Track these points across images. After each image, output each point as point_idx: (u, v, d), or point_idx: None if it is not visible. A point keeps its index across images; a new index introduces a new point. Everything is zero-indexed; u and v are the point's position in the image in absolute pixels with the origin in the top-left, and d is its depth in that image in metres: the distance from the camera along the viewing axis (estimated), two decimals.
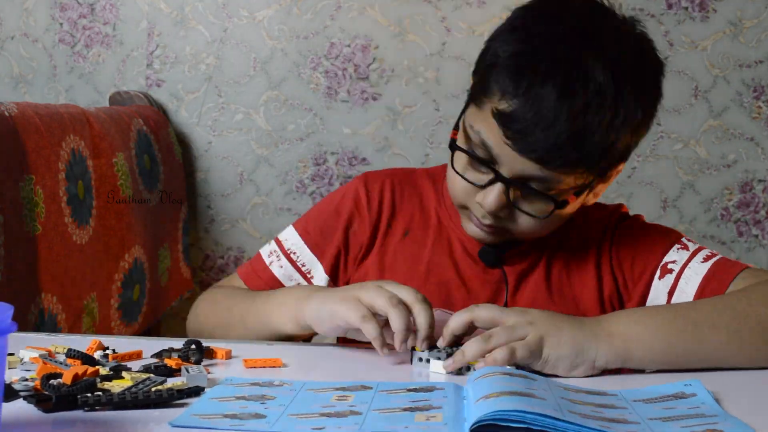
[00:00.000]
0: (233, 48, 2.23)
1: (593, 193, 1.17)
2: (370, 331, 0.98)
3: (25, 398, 0.80)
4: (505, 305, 1.16)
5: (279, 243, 1.25)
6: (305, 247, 1.24)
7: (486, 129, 1.06)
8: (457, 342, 1.00)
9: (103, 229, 1.80)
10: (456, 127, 1.15)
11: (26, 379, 0.84)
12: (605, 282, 1.18)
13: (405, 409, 0.79)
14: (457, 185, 1.13)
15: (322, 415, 0.77)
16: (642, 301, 1.17)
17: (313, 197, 2.24)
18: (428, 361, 0.98)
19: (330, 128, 2.23)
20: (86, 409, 0.77)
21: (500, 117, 1.04)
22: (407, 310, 0.99)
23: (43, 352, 0.95)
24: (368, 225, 1.23)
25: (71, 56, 2.27)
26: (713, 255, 1.15)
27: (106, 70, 2.26)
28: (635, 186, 2.19)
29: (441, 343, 0.99)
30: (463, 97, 1.34)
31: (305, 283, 1.23)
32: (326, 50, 2.21)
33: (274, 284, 1.22)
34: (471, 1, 2.17)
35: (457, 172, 1.11)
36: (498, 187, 1.07)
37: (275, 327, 1.11)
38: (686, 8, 2.17)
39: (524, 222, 1.11)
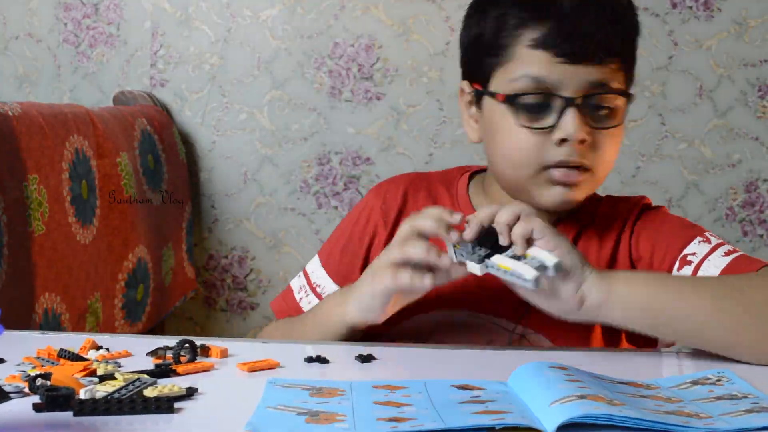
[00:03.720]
0: (237, 48, 2.23)
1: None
2: (417, 252, 0.99)
3: (40, 393, 0.79)
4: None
5: (306, 276, 1.25)
6: (328, 278, 1.23)
7: (531, 67, 1.08)
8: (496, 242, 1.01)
9: (107, 229, 1.81)
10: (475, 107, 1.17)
11: (27, 375, 0.83)
12: (619, 266, 1.19)
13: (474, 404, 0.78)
14: (523, 144, 1.11)
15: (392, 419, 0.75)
16: None
17: (316, 197, 2.24)
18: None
19: (334, 128, 2.23)
20: (76, 413, 0.75)
21: (543, 41, 1.07)
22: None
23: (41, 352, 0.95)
24: (387, 235, 1.22)
25: (75, 56, 2.28)
26: (735, 251, 1.15)
27: (110, 70, 2.27)
28: (639, 185, 2.19)
29: (468, 233, 1.00)
30: None
31: None
32: (330, 50, 2.21)
33: None
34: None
35: (523, 126, 1.10)
36: (572, 110, 1.08)
37: (340, 322, 1.09)
38: (690, 7, 2.16)
39: (603, 144, 1.11)
